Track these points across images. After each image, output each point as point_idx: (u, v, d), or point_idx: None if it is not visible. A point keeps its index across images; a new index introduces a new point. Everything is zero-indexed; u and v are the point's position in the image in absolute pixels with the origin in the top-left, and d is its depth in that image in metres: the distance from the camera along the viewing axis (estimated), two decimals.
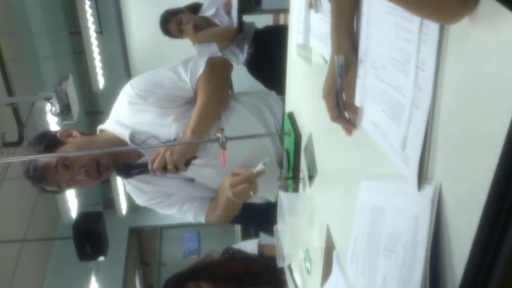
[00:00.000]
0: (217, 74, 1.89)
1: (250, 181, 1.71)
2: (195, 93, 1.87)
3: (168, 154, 1.71)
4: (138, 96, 1.84)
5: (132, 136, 1.84)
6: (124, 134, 1.85)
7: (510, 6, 0.55)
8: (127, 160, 1.84)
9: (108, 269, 6.83)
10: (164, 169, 1.72)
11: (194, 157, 1.78)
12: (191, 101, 1.89)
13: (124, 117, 1.87)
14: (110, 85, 6.42)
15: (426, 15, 0.69)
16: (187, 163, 1.75)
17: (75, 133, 1.87)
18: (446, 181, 0.73)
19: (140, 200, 2.07)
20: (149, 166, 1.73)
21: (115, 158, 1.83)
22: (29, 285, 6.09)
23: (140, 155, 1.87)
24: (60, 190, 1.86)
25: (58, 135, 1.84)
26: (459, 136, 0.68)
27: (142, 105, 1.84)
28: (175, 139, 1.78)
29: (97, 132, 1.96)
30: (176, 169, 1.73)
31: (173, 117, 1.83)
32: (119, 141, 1.85)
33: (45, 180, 1.77)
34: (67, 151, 1.77)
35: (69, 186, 1.82)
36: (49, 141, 1.79)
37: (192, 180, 1.94)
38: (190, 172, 1.82)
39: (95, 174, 1.80)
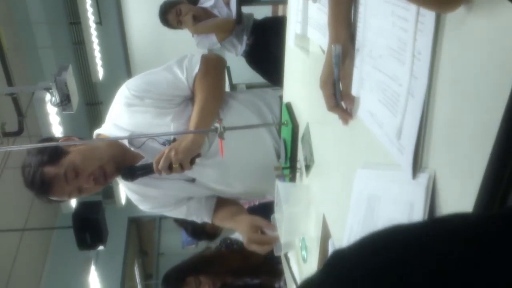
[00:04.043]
0: (213, 70, 1.88)
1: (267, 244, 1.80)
2: (192, 91, 1.86)
3: (173, 153, 1.69)
4: (134, 97, 1.82)
5: (132, 137, 1.82)
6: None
7: None
8: (128, 164, 1.82)
9: (107, 258, 6.85)
10: (170, 168, 1.72)
11: (199, 155, 1.77)
12: (188, 100, 1.88)
13: (122, 120, 1.85)
14: (110, 76, 6.42)
15: (422, 4, 0.69)
16: (192, 161, 1.75)
17: (76, 139, 1.83)
18: (441, 170, 0.73)
19: (145, 207, 2.06)
20: (154, 167, 1.71)
21: (118, 164, 1.81)
22: (29, 274, 6.11)
23: (139, 158, 1.85)
24: (67, 199, 1.84)
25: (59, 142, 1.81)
26: (454, 125, 0.69)
27: (139, 106, 1.82)
28: (174, 139, 1.77)
29: (94, 136, 1.93)
30: (182, 167, 1.72)
31: (171, 117, 1.81)
32: (118, 145, 1.83)
33: (53, 192, 1.75)
34: (73, 160, 1.73)
35: (76, 194, 1.80)
36: (52, 151, 1.74)
37: (193, 180, 1.93)
38: (192, 172, 1.81)
39: (102, 181, 1.79)
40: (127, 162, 1.83)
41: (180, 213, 2.10)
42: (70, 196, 1.79)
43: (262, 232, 1.85)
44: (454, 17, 0.66)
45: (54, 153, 1.74)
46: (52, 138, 1.91)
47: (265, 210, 2.25)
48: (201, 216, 2.09)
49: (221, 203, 2.09)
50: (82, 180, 1.75)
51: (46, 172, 1.72)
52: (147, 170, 1.77)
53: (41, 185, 1.72)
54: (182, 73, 1.84)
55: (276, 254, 1.75)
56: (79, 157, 1.75)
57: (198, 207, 2.07)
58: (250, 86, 4.51)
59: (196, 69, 1.84)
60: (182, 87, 1.85)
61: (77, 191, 1.78)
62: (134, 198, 2.03)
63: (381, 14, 0.85)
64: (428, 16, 0.70)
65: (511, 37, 0.56)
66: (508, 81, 0.55)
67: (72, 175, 1.72)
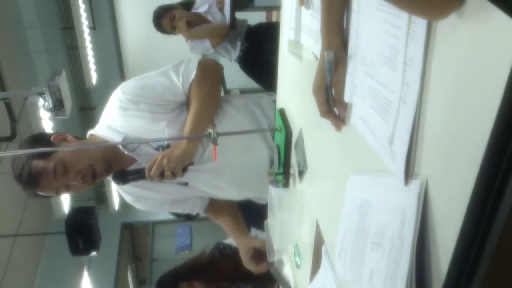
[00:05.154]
0: (209, 77, 1.88)
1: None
2: (187, 97, 1.85)
3: (165, 161, 1.69)
4: (129, 101, 1.81)
5: (125, 141, 1.81)
6: (116, 140, 1.82)
7: (497, 2, 0.56)
8: (121, 166, 1.82)
9: (100, 264, 6.82)
10: (161, 175, 1.72)
11: (191, 163, 1.77)
12: (183, 105, 1.87)
13: (116, 123, 1.84)
14: (103, 81, 6.41)
15: (414, 12, 0.69)
16: (184, 169, 1.75)
17: (69, 137, 1.83)
18: (433, 176, 0.73)
19: (140, 206, 2.08)
20: (146, 173, 1.72)
21: (109, 165, 1.81)
22: (21, 280, 6.07)
23: (132, 161, 1.85)
24: (53, 195, 1.83)
25: (52, 138, 1.80)
26: (446, 132, 0.69)
27: (133, 111, 1.82)
28: (168, 145, 1.77)
29: (87, 136, 1.93)
30: (174, 175, 1.73)
31: (165, 122, 1.81)
32: (111, 147, 1.83)
33: (40, 186, 1.74)
34: (63, 157, 1.73)
35: (64, 191, 1.79)
36: (42, 146, 1.74)
37: (186, 184, 1.93)
38: (185, 177, 1.81)
39: (90, 180, 1.78)
40: (119, 165, 1.82)
41: (176, 210, 2.16)
42: (57, 192, 1.79)
43: (259, 251, 1.98)
44: (445, 24, 0.66)
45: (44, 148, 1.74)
46: (43, 134, 1.90)
47: (253, 205, 2.25)
48: (196, 210, 2.14)
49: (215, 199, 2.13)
50: (70, 177, 1.74)
51: (35, 165, 1.72)
52: (139, 175, 1.77)
53: (28, 177, 1.72)
54: (178, 79, 1.84)
55: (269, 259, 1.75)
56: (69, 154, 1.75)
57: (193, 204, 2.12)
58: (243, 91, 4.53)
59: (193, 75, 1.84)
60: (177, 93, 1.84)
61: (65, 188, 1.77)
62: (128, 199, 2.04)
63: (373, 21, 0.85)
64: (420, 23, 0.71)
65: (502, 44, 0.56)
66: (499, 88, 0.55)
67: (61, 171, 1.72)
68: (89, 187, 1.84)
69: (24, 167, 1.72)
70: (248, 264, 2.01)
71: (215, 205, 2.15)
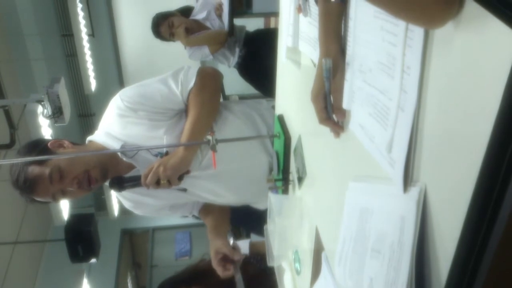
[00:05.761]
0: (208, 85, 1.87)
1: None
2: (186, 105, 1.86)
3: (161, 169, 1.69)
4: (128, 109, 1.82)
5: (123, 148, 1.81)
6: (114, 146, 1.82)
7: (493, 10, 0.56)
8: (117, 173, 1.82)
9: (100, 271, 6.80)
10: (157, 183, 1.72)
11: (187, 172, 1.77)
12: (182, 112, 1.87)
13: (114, 129, 1.85)
14: (102, 88, 6.41)
15: (410, 20, 0.69)
16: (180, 178, 1.75)
17: (66, 143, 1.83)
18: (431, 183, 0.74)
19: (140, 211, 2.09)
20: (142, 181, 1.72)
21: (105, 172, 1.81)
22: (20, 287, 6.06)
23: (130, 168, 1.85)
24: (50, 201, 1.82)
25: (49, 145, 1.80)
26: (444, 138, 0.69)
27: (132, 118, 1.82)
28: (167, 152, 1.77)
29: (86, 143, 1.93)
30: (169, 183, 1.73)
31: (164, 129, 1.81)
32: (109, 153, 1.83)
33: (36, 191, 1.74)
34: (59, 162, 1.73)
35: (60, 197, 1.79)
36: (39, 152, 1.74)
37: (185, 190, 1.93)
38: (183, 183, 1.81)
39: (86, 186, 1.77)
40: (117, 171, 1.82)
41: (175, 214, 2.19)
42: (54, 197, 1.78)
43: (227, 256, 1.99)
44: (443, 32, 0.66)
45: (41, 154, 1.74)
46: (41, 140, 1.91)
47: (252, 211, 2.25)
48: (193, 212, 2.18)
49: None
50: (66, 183, 1.74)
51: (31, 170, 1.72)
52: (135, 182, 1.77)
53: (24, 183, 1.72)
54: (177, 87, 1.84)
55: (269, 265, 1.75)
56: (65, 160, 1.74)
57: (192, 207, 2.15)
58: (242, 97, 4.53)
59: (192, 83, 1.83)
60: (176, 101, 1.84)
61: (61, 194, 1.77)
62: (127, 205, 2.05)
63: (370, 29, 0.86)
64: (417, 31, 0.71)
65: (499, 51, 0.56)
66: (496, 94, 0.56)
67: (56, 177, 1.72)
68: (86, 193, 1.84)
69: (21, 173, 1.73)
70: (216, 266, 2.00)
71: (207, 206, 2.16)
